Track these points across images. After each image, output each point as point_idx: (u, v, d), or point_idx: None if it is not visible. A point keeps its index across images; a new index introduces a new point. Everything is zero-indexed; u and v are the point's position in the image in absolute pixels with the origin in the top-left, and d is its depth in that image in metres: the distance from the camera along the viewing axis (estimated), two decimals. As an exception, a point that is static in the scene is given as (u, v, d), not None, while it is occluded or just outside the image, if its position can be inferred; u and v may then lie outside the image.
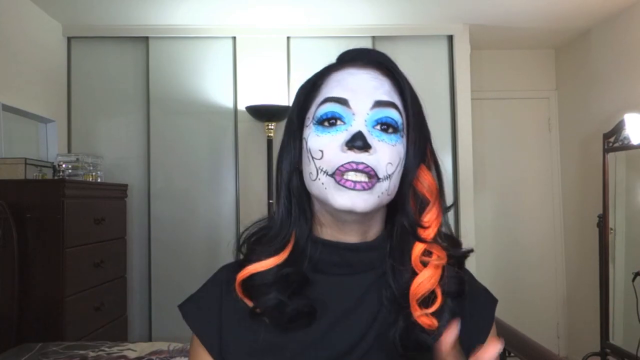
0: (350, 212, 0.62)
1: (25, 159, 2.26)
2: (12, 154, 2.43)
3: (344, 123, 0.63)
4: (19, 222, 2.06)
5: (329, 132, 0.63)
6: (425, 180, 0.66)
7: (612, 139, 2.83)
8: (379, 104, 0.63)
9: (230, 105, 3.11)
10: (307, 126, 0.66)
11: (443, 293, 0.63)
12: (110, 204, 2.62)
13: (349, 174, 0.61)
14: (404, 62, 3.11)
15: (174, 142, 3.08)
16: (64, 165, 2.51)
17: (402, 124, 0.65)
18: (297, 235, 0.67)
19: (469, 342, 0.65)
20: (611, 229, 2.85)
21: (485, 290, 0.72)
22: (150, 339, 2.97)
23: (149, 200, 3.06)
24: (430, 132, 0.70)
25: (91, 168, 2.62)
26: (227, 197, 3.09)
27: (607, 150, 2.85)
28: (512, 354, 1.60)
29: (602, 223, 2.85)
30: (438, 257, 0.64)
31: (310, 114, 0.66)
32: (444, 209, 0.68)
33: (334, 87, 0.65)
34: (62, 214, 2.12)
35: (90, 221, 2.38)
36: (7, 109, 2.45)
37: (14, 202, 2.07)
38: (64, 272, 2.12)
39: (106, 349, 1.82)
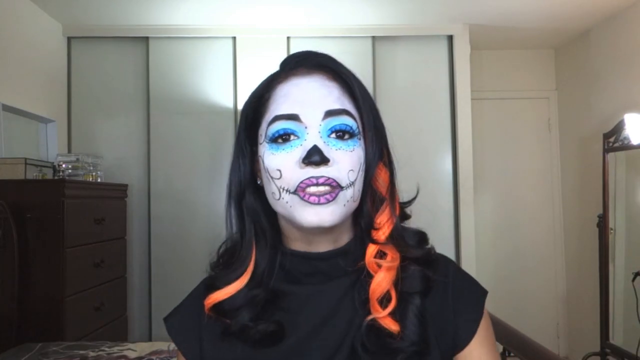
0: (318, 228, 0.61)
1: (25, 159, 2.26)
2: (12, 154, 2.43)
3: (298, 137, 0.61)
4: (19, 222, 2.06)
5: (283, 149, 0.61)
6: (380, 178, 0.65)
7: (612, 139, 2.83)
8: (330, 113, 0.61)
9: (230, 105, 3.11)
10: (260, 144, 0.64)
11: (404, 293, 0.62)
12: (110, 204, 2.62)
13: (311, 188, 0.60)
14: (404, 62, 3.10)
15: (174, 142, 3.08)
16: (64, 165, 2.51)
17: (358, 127, 0.63)
18: (257, 258, 0.66)
19: (454, 335, 0.64)
20: (611, 229, 2.85)
21: (472, 282, 0.69)
22: (150, 339, 2.97)
23: (149, 200, 3.06)
24: (385, 127, 0.68)
25: (91, 168, 2.62)
26: (227, 197, 3.09)
27: (607, 150, 2.85)
28: (512, 354, 1.60)
29: (602, 223, 2.85)
30: (392, 259, 0.62)
31: (262, 131, 0.64)
32: (400, 204, 0.67)
33: (281, 102, 0.63)
34: (62, 214, 2.12)
35: (90, 221, 2.37)
36: (7, 109, 2.45)
37: (14, 202, 2.06)
38: (64, 272, 2.12)
39: (106, 349, 1.81)
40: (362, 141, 0.64)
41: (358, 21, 3.06)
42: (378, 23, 3.10)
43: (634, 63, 2.86)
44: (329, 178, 0.59)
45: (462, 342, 0.64)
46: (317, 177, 0.59)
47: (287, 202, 0.61)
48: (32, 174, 2.29)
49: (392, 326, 0.60)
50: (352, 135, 0.62)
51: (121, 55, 3.13)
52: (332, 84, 0.64)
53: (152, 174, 3.06)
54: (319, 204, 0.59)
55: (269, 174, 0.62)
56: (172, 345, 1.86)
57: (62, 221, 2.12)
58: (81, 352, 1.77)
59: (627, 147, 2.73)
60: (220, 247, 0.70)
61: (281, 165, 0.61)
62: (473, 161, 3.15)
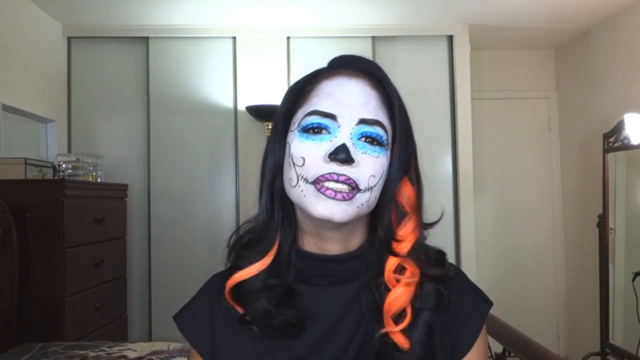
0: (328, 221, 0.62)
1: (25, 159, 2.26)
2: (12, 154, 2.43)
3: (329, 133, 0.63)
4: (19, 222, 2.06)
5: (313, 140, 0.63)
6: (405, 193, 0.66)
7: (612, 139, 2.83)
8: (363, 121, 0.63)
9: (230, 105, 3.11)
10: (291, 131, 0.66)
11: (417, 309, 0.63)
12: (110, 204, 2.62)
13: (330, 183, 0.61)
14: (404, 62, 3.10)
15: (174, 142, 3.08)
16: (64, 165, 2.51)
17: (387, 139, 0.64)
18: (280, 240, 0.67)
19: (452, 344, 0.65)
20: (611, 229, 2.85)
21: (478, 293, 0.70)
22: (150, 339, 2.97)
23: (149, 200, 3.06)
24: (416, 145, 0.69)
25: (91, 168, 2.62)
26: (227, 197, 3.09)
27: (607, 150, 2.85)
28: (512, 354, 1.60)
29: (602, 223, 2.85)
30: (411, 275, 0.63)
31: (296, 120, 0.66)
32: (423, 224, 0.68)
33: (324, 99, 0.64)
34: (62, 214, 2.12)
35: (90, 221, 2.37)
36: (7, 109, 2.45)
37: (14, 202, 2.06)
38: (64, 272, 2.12)
39: (106, 349, 1.82)
40: (389, 152, 0.65)
41: (358, 21, 3.06)
42: (378, 23, 3.10)
43: (634, 63, 2.86)
44: (349, 178, 0.61)
45: (460, 354, 0.66)
46: (339, 175, 0.60)
47: (302, 191, 0.62)
48: (32, 174, 2.29)
49: (402, 342, 0.61)
50: (380, 144, 0.64)
51: (121, 55, 3.13)
52: (373, 93, 0.65)
53: (152, 174, 3.06)
54: (334, 198, 0.60)
55: (292, 160, 0.63)
56: (172, 345, 1.86)
57: (62, 221, 2.12)
58: (81, 352, 1.77)
59: (627, 147, 2.73)
60: (231, 237, 0.72)
61: (306, 154, 0.62)
62: (473, 161, 3.15)
